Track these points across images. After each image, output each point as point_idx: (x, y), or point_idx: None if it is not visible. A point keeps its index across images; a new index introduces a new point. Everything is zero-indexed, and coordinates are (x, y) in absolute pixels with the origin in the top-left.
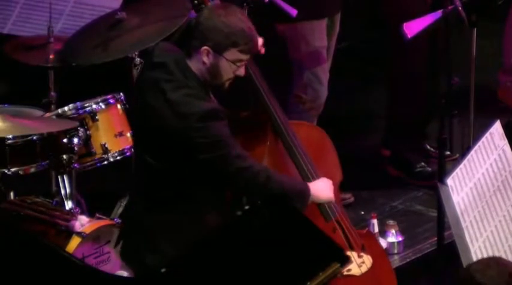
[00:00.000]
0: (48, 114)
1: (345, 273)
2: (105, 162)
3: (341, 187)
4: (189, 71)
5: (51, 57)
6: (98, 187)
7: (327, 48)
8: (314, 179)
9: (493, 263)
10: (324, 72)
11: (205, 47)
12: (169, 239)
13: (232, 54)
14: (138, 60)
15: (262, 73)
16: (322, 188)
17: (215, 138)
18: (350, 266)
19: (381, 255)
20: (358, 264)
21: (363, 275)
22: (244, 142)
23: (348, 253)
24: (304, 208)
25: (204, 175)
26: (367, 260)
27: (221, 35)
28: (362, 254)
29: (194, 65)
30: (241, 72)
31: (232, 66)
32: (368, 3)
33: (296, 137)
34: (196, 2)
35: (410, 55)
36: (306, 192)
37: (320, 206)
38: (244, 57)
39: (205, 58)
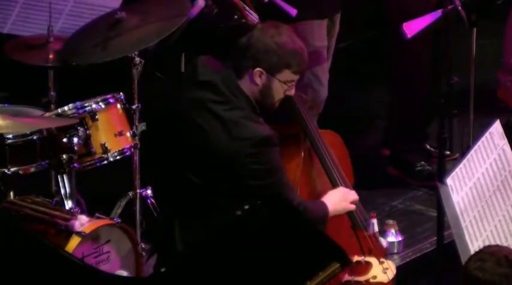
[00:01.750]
0: (48, 114)
1: (371, 280)
2: (105, 162)
3: None
4: (239, 91)
5: (50, 56)
6: (98, 187)
7: (327, 48)
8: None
9: (485, 255)
10: (323, 72)
11: (258, 69)
12: None
13: (285, 75)
14: (137, 59)
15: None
16: (337, 201)
17: (268, 165)
18: (375, 273)
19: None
20: (383, 270)
21: (391, 281)
22: (281, 154)
23: (368, 259)
24: (325, 227)
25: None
26: (392, 265)
27: (275, 56)
28: (383, 259)
29: (245, 86)
30: (292, 92)
31: (284, 86)
32: (368, 3)
33: (327, 147)
34: (236, 17)
35: (411, 55)
36: (326, 214)
37: (350, 215)
38: (296, 77)
39: (257, 80)
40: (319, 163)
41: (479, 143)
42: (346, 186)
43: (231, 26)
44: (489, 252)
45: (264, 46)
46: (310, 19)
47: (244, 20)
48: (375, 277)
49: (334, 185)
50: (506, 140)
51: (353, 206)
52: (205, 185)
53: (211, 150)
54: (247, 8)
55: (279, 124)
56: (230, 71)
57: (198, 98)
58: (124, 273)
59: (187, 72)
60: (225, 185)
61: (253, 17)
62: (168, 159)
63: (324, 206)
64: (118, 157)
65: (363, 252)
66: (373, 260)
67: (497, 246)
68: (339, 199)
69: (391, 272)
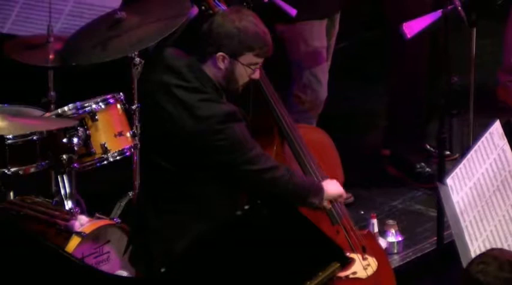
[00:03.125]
0: (48, 114)
1: (351, 276)
2: (105, 162)
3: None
4: (203, 76)
5: (51, 57)
6: (98, 187)
7: (327, 48)
8: (317, 178)
9: (488, 258)
10: (323, 73)
11: (220, 53)
12: (180, 242)
13: (248, 58)
14: (137, 59)
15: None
16: (333, 186)
17: (236, 139)
18: (355, 269)
19: (381, 257)
20: (364, 266)
21: (369, 277)
22: None
23: (352, 255)
24: (320, 204)
25: (219, 177)
26: (373, 263)
27: (236, 40)
28: (367, 256)
29: (209, 71)
30: (256, 75)
31: (248, 70)
32: (368, 3)
33: (302, 140)
34: (203, 8)
35: (411, 55)
36: (322, 188)
37: (328, 212)
38: (260, 60)
39: (220, 64)
40: (293, 156)
41: (479, 143)
42: (322, 178)
43: (199, 16)
44: (492, 255)
45: (225, 30)
46: (310, 19)
47: (211, 11)
48: (354, 273)
49: (306, 174)
50: (506, 140)
51: (345, 195)
52: (175, 170)
53: (178, 134)
54: None
55: (252, 117)
56: (194, 57)
57: (162, 82)
58: (124, 273)
59: (154, 57)
60: (195, 168)
61: (221, 8)
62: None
63: (318, 182)
64: (118, 158)
65: (352, 249)
66: (357, 257)
67: (500, 250)
68: (335, 185)
69: (371, 269)
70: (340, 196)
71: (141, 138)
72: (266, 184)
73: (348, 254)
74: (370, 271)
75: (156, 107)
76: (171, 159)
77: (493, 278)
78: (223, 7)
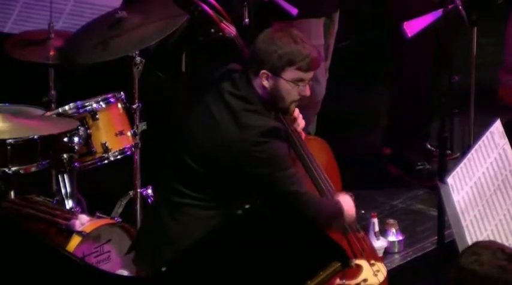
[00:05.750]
0: (48, 113)
1: (362, 284)
2: (106, 161)
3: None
4: (253, 90)
5: (51, 53)
6: (98, 186)
7: (326, 47)
8: (331, 196)
9: (478, 248)
10: (321, 71)
11: (263, 71)
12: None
13: (290, 73)
14: (138, 59)
15: None
16: (349, 206)
17: (273, 155)
18: (365, 276)
19: (375, 258)
20: (374, 272)
21: (382, 283)
22: None
23: (359, 262)
24: (340, 226)
25: (250, 189)
26: (382, 268)
27: (275, 55)
28: (374, 262)
29: (257, 88)
30: (306, 92)
31: (294, 86)
32: (369, 2)
33: (312, 155)
34: (213, 30)
35: (412, 54)
36: (342, 212)
37: None
38: (305, 75)
39: (265, 82)
40: (304, 171)
41: (480, 142)
42: (333, 192)
43: (209, 39)
44: (482, 245)
45: (265, 47)
46: (307, 17)
47: (221, 34)
48: (365, 280)
49: (321, 192)
50: (506, 139)
51: (354, 219)
52: (204, 173)
53: (219, 139)
54: (224, 21)
55: None
56: (245, 75)
57: (218, 86)
58: (125, 272)
59: (208, 70)
60: (225, 174)
61: (230, 29)
62: (171, 142)
63: (339, 206)
64: (119, 157)
65: (354, 255)
66: (363, 263)
67: (488, 241)
68: (350, 204)
69: (382, 275)
70: (352, 218)
71: (165, 135)
72: (296, 206)
73: (353, 260)
74: (381, 277)
75: (202, 107)
76: (203, 162)
77: (489, 266)
78: (232, 28)
